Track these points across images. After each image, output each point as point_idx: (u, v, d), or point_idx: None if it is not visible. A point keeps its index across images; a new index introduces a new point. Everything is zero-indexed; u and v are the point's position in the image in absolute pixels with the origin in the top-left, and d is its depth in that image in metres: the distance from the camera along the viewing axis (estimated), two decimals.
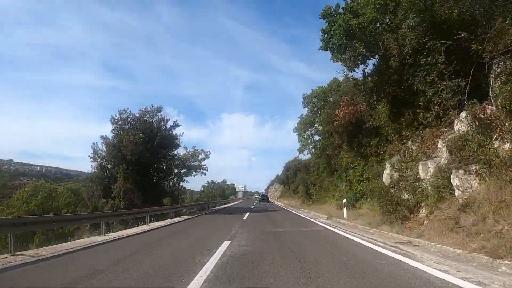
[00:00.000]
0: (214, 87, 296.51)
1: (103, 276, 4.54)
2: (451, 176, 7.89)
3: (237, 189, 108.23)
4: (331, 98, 28.16)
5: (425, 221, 7.99)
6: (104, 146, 22.80)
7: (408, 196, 9.33)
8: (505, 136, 7.27)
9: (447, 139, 8.83)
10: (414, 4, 10.18)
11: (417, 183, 9.26)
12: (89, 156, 22.77)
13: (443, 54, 9.66)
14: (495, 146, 7.42)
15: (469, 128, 8.26)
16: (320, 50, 13.89)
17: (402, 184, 9.90)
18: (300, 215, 18.21)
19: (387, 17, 12.05)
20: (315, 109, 33.75)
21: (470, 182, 7.39)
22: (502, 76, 7.97)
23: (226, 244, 7.15)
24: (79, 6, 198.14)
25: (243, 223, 13.46)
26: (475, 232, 5.88)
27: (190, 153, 31.03)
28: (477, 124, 7.99)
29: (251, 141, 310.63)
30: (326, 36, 13.42)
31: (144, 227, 12.74)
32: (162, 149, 24.72)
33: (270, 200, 57.77)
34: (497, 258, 4.60)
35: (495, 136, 7.58)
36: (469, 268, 4.48)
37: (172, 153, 26.95)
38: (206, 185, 75.48)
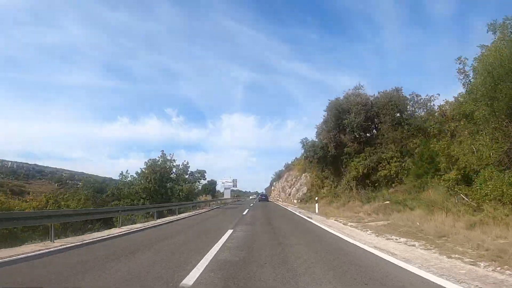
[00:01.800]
0: (214, 87, 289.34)
1: None
2: None
3: (220, 187, 71.55)
4: None
5: None
6: None
7: None
8: None
9: None
10: None
11: None
12: None
13: None
14: None
15: None
16: None
17: None
18: None
19: None
20: None
21: None
22: None
23: None
24: (79, 6, 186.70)
25: None
26: None
27: None
28: None
29: (251, 141, 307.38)
30: None
31: None
32: None
33: (287, 210, 39.47)
34: None
35: None
36: None
37: None
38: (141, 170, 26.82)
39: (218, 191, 76.71)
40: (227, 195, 67.26)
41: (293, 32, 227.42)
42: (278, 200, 54.44)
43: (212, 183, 61.30)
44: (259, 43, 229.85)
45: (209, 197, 46.31)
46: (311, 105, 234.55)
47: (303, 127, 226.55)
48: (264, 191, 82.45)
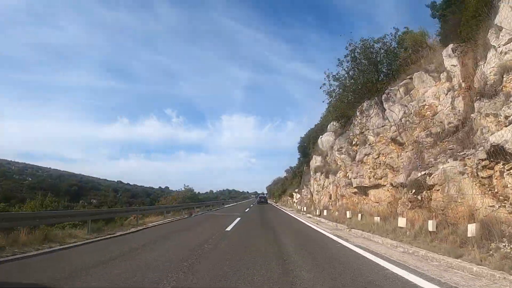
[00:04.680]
0: (214, 88, 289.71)
1: None
2: None
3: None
4: None
5: None
6: None
7: None
8: None
9: None
10: None
11: None
12: None
13: None
14: None
15: None
16: None
17: None
18: None
19: None
20: None
21: None
22: None
23: None
24: (78, 6, 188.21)
25: None
26: None
27: None
28: None
29: (251, 142, 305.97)
30: None
31: None
32: None
33: None
34: None
35: None
36: None
37: None
38: None
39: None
40: None
41: (293, 32, 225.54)
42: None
43: None
44: (259, 43, 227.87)
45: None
46: (311, 105, 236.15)
47: (303, 127, 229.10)
48: (264, 192, 75.22)
